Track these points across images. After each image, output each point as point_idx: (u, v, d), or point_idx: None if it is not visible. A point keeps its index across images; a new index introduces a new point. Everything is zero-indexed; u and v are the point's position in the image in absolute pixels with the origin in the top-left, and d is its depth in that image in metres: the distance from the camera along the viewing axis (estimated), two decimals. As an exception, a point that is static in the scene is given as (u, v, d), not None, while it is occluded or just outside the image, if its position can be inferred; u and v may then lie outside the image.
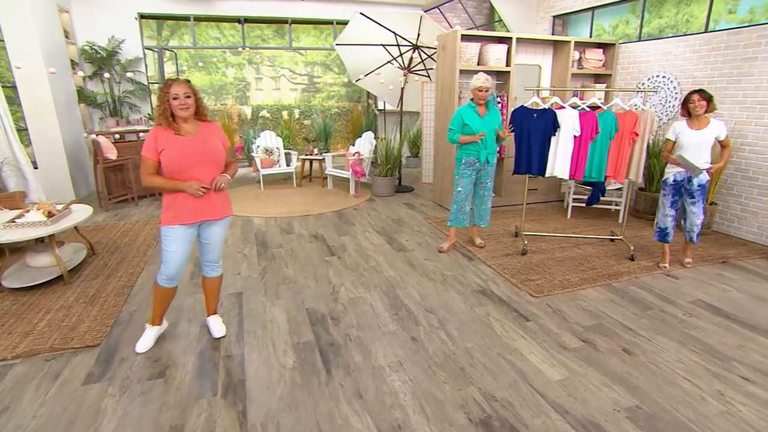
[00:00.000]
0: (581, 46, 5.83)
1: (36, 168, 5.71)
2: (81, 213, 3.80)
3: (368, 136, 6.86)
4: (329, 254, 4.19)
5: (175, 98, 2.33)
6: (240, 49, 8.45)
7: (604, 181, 4.18)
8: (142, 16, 7.19)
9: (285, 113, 9.26)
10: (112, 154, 5.57)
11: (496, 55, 5.33)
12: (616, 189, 5.23)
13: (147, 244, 4.42)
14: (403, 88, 6.79)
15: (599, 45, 5.92)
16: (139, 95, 7.29)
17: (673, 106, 5.20)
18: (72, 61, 6.64)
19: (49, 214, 3.51)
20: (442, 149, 5.63)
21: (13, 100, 5.60)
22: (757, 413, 2.14)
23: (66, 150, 5.92)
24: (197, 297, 3.25)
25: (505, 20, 7.45)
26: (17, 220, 3.44)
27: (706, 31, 4.96)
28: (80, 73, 6.50)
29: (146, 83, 7.33)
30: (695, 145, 3.54)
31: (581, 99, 4.68)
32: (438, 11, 8.51)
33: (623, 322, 2.99)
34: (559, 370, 2.47)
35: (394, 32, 6.23)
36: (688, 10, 5.37)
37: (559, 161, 4.07)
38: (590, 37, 6.61)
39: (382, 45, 6.53)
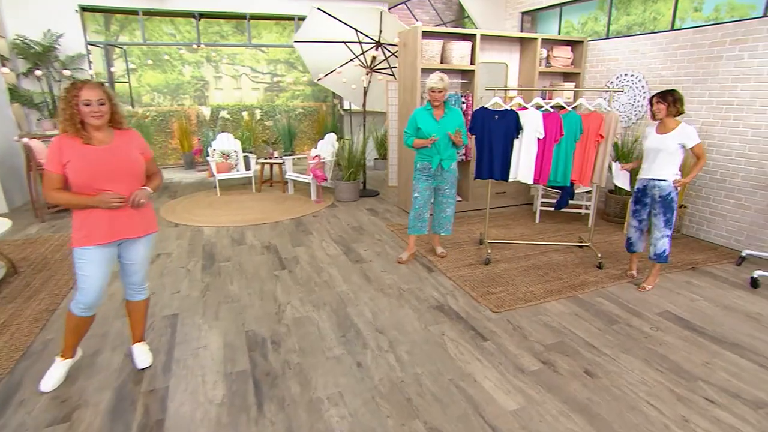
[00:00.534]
0: (549, 43, 5.64)
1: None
2: (-3, 228, 3.41)
3: (330, 137, 6.55)
4: (280, 268, 3.89)
5: (86, 104, 2.03)
6: (195, 46, 8.02)
7: (571, 186, 4.00)
8: (84, 9, 6.67)
9: (246, 114, 8.84)
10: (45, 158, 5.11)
11: (459, 53, 5.10)
12: (586, 192, 5.07)
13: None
14: (366, 88, 6.51)
15: (567, 42, 5.75)
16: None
17: (642, 106, 5.07)
18: (1, 56, 6.11)
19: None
20: (406, 151, 5.37)
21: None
22: (724, 446, 1.97)
23: (-7, 155, 5.40)
24: (127, 321, 2.92)
25: (473, 16, 7.25)
26: None
27: (672, 29, 4.83)
28: (5, 70, 5.90)
29: None
30: (652, 152, 3.25)
31: (549, 98, 4.48)
32: (406, 7, 8.26)
33: (587, 339, 2.80)
34: (514, 397, 2.26)
35: (355, 29, 5.94)
36: (655, 8, 5.26)
37: (523, 165, 3.88)
38: (559, 34, 6.46)
39: (343, 42, 6.24)
